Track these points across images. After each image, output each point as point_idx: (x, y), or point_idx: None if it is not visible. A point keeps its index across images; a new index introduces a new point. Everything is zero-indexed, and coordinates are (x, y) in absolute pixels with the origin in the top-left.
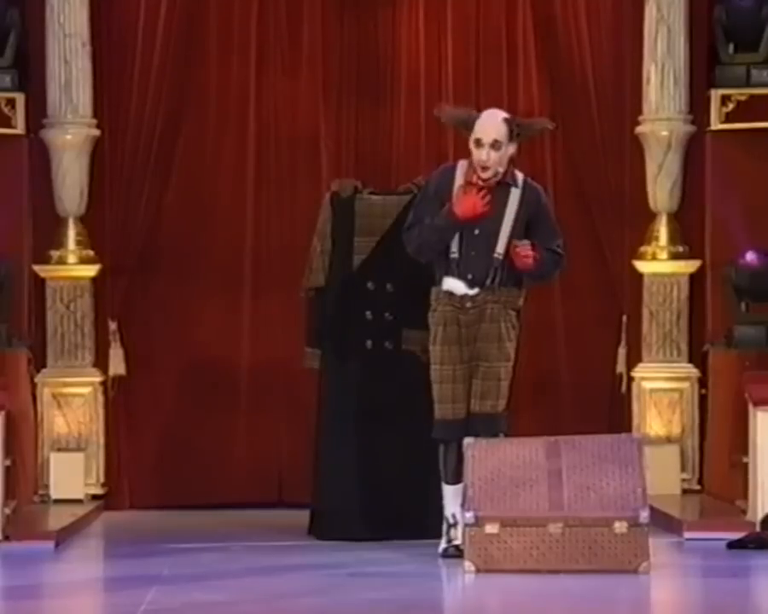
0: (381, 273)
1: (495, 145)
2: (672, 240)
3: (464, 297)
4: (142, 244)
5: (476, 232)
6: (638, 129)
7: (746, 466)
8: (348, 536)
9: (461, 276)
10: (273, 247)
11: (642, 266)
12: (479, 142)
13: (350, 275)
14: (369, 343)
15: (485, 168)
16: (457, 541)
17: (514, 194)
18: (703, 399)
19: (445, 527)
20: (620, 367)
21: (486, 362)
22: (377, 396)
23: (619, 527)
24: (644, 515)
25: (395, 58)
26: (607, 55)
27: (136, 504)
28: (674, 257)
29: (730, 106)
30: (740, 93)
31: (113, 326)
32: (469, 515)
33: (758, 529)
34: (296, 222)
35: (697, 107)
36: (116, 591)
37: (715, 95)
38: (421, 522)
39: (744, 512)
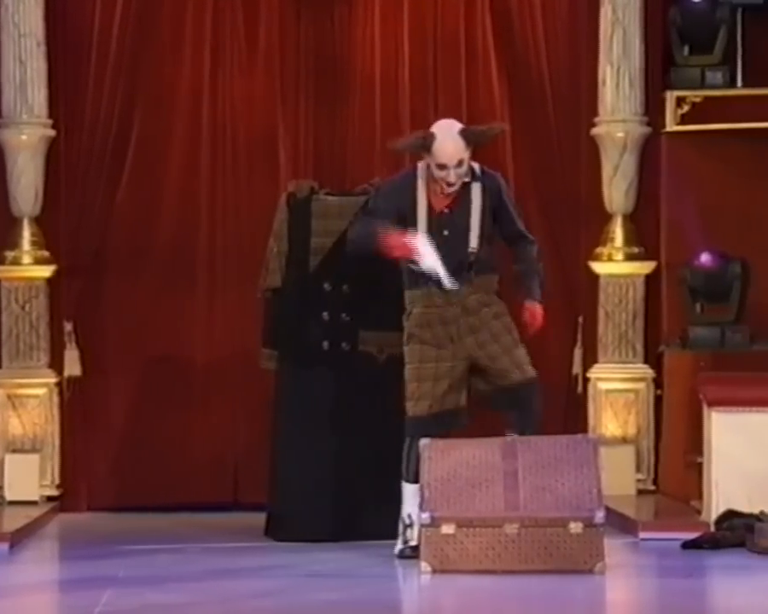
0: (338, 274)
1: (459, 164)
2: (628, 241)
3: (449, 291)
4: (97, 244)
5: (445, 233)
6: (594, 130)
7: (700, 466)
8: (304, 537)
9: (434, 279)
10: (229, 247)
11: (598, 267)
12: (443, 167)
13: (306, 275)
14: (325, 344)
15: (452, 185)
16: (414, 542)
17: (476, 189)
18: (658, 400)
19: (401, 527)
20: (576, 367)
21: (499, 339)
22: (333, 397)
23: (575, 527)
24: (599, 516)
25: (352, 57)
26: (563, 57)
27: (92, 505)
28: (630, 258)
29: (685, 107)
30: (695, 95)
31: (68, 326)
32: (425, 516)
33: (712, 529)
34: (252, 222)
35: (652, 109)
36: (71, 593)
37: (670, 96)
38: (378, 522)
39: (699, 512)
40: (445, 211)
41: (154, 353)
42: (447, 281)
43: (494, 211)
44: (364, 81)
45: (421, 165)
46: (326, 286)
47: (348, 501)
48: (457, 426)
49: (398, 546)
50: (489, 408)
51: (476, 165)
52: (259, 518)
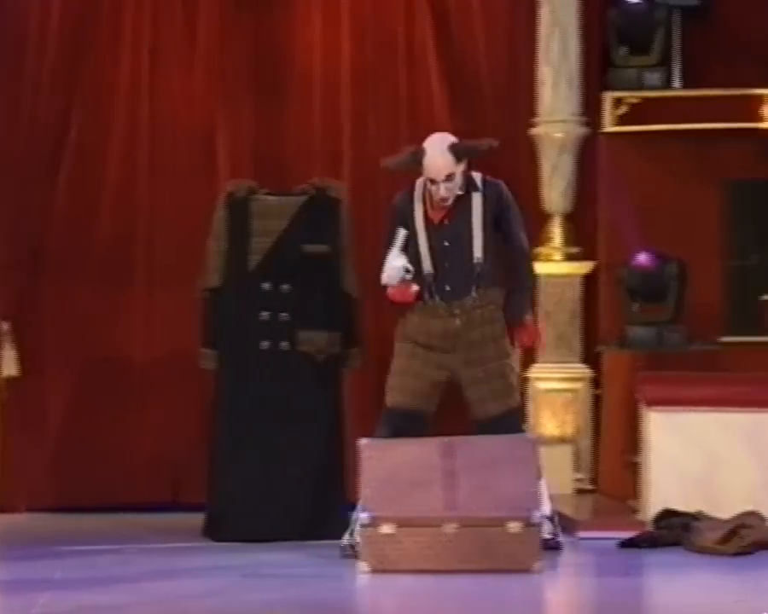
0: (277, 274)
1: (448, 178)
2: (566, 241)
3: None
4: (35, 243)
5: (446, 243)
6: (532, 130)
7: (638, 465)
8: (243, 537)
9: (438, 291)
10: (167, 247)
11: (537, 267)
12: (433, 181)
13: (246, 275)
14: (264, 343)
15: (444, 199)
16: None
17: (476, 198)
18: (597, 399)
19: (353, 521)
20: (515, 367)
21: (485, 365)
22: (273, 397)
23: (513, 527)
24: (538, 515)
25: (292, 56)
26: (502, 57)
27: (31, 506)
28: (568, 258)
29: (623, 108)
30: (632, 96)
31: (5, 326)
32: (365, 516)
33: (650, 528)
34: (190, 222)
35: (590, 110)
36: (8, 594)
37: (608, 97)
38: (317, 522)
39: (636, 511)
40: (444, 222)
41: (92, 353)
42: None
43: (496, 219)
44: (304, 80)
45: (418, 181)
46: (265, 285)
47: (287, 501)
48: (421, 431)
49: (345, 538)
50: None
51: (478, 175)
52: (198, 519)
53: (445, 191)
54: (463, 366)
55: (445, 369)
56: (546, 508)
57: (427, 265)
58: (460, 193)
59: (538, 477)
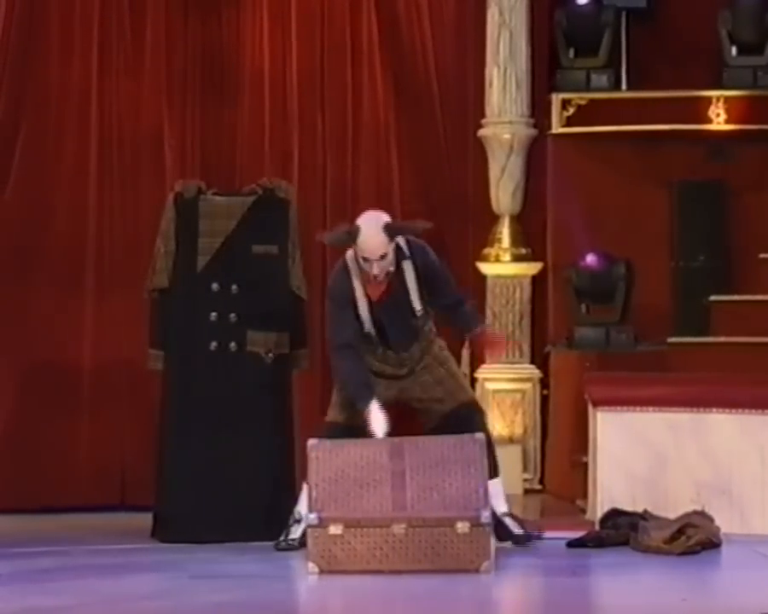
0: (226, 274)
1: (382, 258)
2: (515, 242)
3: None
4: None
5: (388, 316)
6: (481, 131)
7: (586, 465)
8: (191, 539)
9: (383, 345)
10: (116, 248)
11: (486, 268)
12: (366, 259)
13: (194, 276)
14: (213, 344)
15: (377, 276)
16: (293, 536)
17: (408, 266)
18: (545, 400)
19: (290, 521)
20: (464, 368)
21: (432, 372)
22: (221, 398)
23: (462, 527)
24: (486, 515)
25: (240, 58)
26: (450, 58)
27: None
28: (517, 259)
29: (571, 110)
30: (580, 97)
31: None
32: (313, 516)
33: (597, 528)
34: (139, 222)
35: (539, 111)
36: None
37: (556, 99)
38: (265, 524)
39: (584, 511)
40: (383, 299)
41: (39, 353)
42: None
43: (427, 283)
44: (252, 81)
45: (349, 255)
46: (214, 286)
47: (235, 503)
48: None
49: (280, 538)
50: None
51: (402, 242)
52: (146, 519)
53: (377, 269)
54: (413, 383)
55: (394, 388)
56: (504, 506)
57: (368, 327)
58: (391, 269)
59: (496, 475)
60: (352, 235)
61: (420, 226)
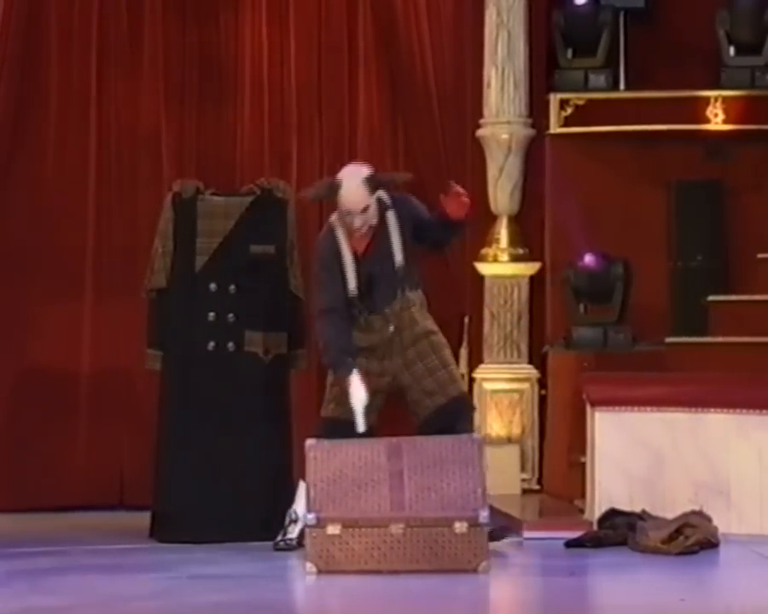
0: (224, 274)
1: (364, 210)
2: (513, 242)
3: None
4: None
5: (373, 271)
6: (479, 132)
7: (584, 465)
8: (189, 539)
9: (366, 308)
10: (115, 249)
11: (484, 268)
12: (349, 213)
13: (192, 276)
14: (211, 344)
15: (359, 229)
16: (291, 536)
17: (391, 217)
18: (543, 400)
19: (287, 521)
20: (462, 368)
21: (424, 360)
22: (219, 398)
23: (459, 527)
24: (484, 515)
25: (238, 59)
26: (448, 59)
27: None
28: (515, 259)
29: (569, 110)
30: (578, 97)
31: None
32: (311, 516)
33: (595, 528)
34: (138, 223)
35: (537, 111)
36: None
37: (554, 99)
38: (263, 524)
39: (582, 511)
40: (368, 253)
41: (38, 353)
42: (359, 423)
43: (414, 228)
44: (250, 83)
45: (333, 218)
46: (212, 286)
47: (233, 503)
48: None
49: (278, 538)
50: (426, 432)
51: (384, 194)
52: (144, 519)
53: (359, 222)
54: (404, 368)
55: (387, 375)
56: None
57: (352, 288)
58: (373, 221)
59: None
60: (334, 189)
61: (400, 177)
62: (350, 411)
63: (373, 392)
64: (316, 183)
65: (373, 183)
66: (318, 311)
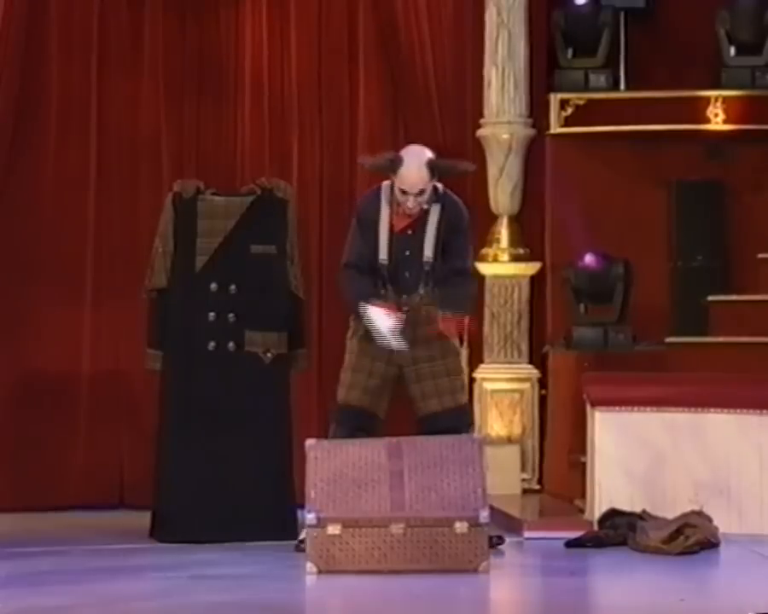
0: (224, 274)
1: (420, 193)
2: (513, 242)
3: (403, 297)
4: None
5: (407, 253)
6: (479, 132)
7: (584, 465)
8: (190, 538)
9: (391, 281)
10: (115, 249)
11: (484, 268)
12: (404, 192)
13: (192, 276)
14: (211, 344)
15: (411, 211)
16: None
17: (435, 210)
18: (543, 400)
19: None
20: (463, 367)
21: (431, 362)
22: (220, 398)
23: (460, 527)
24: (484, 515)
25: (238, 58)
26: (448, 58)
27: None
28: (515, 259)
29: (569, 110)
30: (578, 97)
31: None
32: (311, 516)
33: (595, 528)
34: (138, 223)
35: (537, 111)
36: None
37: (554, 99)
38: (264, 524)
39: (582, 511)
40: (407, 232)
41: (38, 353)
42: (394, 345)
43: (446, 237)
44: (251, 82)
45: (385, 184)
46: (212, 286)
47: (233, 502)
48: (372, 432)
49: (300, 537)
50: (419, 432)
51: (441, 186)
52: (145, 519)
53: (413, 203)
54: (411, 362)
55: (395, 364)
56: None
57: (383, 257)
58: (426, 207)
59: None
60: (395, 165)
61: (463, 167)
62: (360, 393)
63: (381, 380)
64: (377, 154)
65: (434, 168)
66: (343, 264)
